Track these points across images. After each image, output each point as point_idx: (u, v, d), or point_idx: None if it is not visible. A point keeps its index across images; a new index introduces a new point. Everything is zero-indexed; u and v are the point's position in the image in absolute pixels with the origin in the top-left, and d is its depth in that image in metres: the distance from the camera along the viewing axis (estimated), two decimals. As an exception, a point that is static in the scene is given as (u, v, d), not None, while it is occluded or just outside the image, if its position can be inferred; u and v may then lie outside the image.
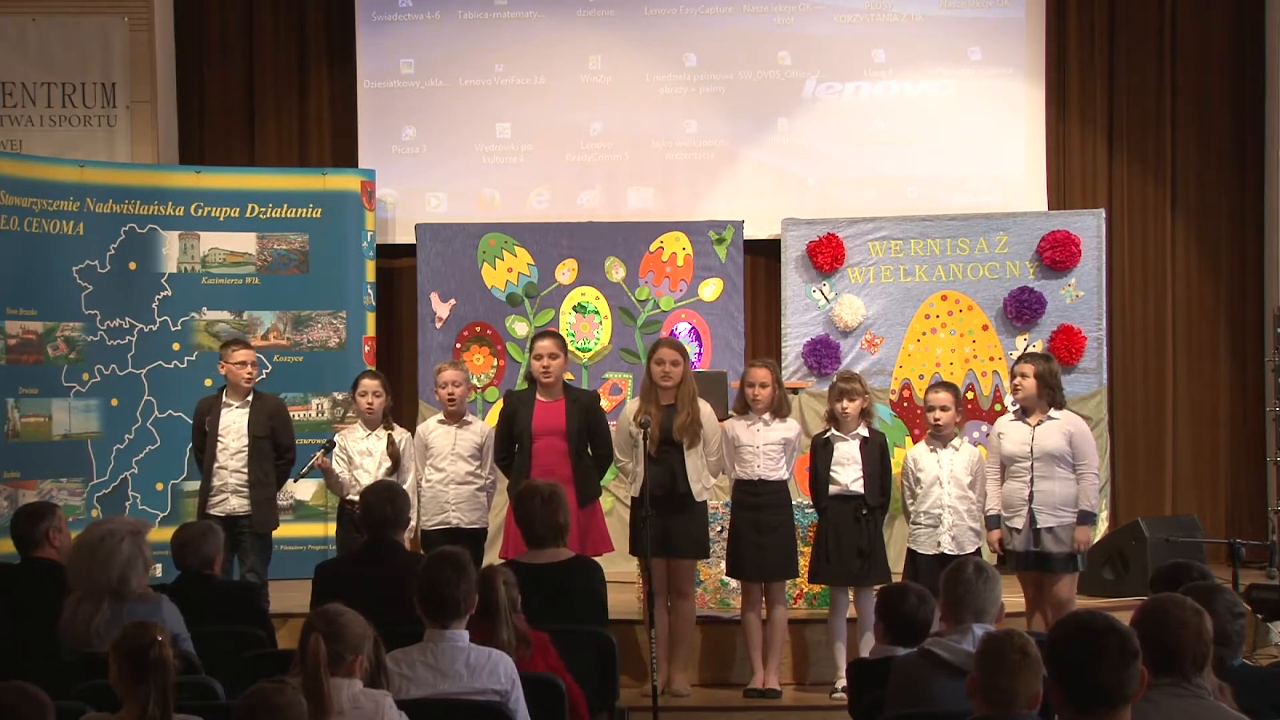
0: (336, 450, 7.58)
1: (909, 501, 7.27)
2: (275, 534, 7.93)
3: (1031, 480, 6.95)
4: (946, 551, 6.96)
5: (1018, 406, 7.17)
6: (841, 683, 7.06)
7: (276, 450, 7.77)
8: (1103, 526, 9.42)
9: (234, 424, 7.68)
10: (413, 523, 7.05)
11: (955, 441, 7.22)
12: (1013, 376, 7.18)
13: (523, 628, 4.71)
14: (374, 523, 5.56)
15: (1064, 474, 6.93)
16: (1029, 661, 3.39)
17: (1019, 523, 6.97)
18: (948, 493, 7.12)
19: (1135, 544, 8.46)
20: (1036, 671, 3.38)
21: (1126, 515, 9.70)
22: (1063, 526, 6.91)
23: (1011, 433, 7.09)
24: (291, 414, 8.89)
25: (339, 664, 3.72)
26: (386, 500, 5.60)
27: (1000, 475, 7.11)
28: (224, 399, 7.75)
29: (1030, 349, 9.45)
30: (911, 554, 7.20)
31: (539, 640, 4.76)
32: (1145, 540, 8.40)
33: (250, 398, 7.75)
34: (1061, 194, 10.31)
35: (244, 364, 7.69)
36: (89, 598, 4.73)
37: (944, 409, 7.16)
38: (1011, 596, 6.93)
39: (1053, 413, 7.01)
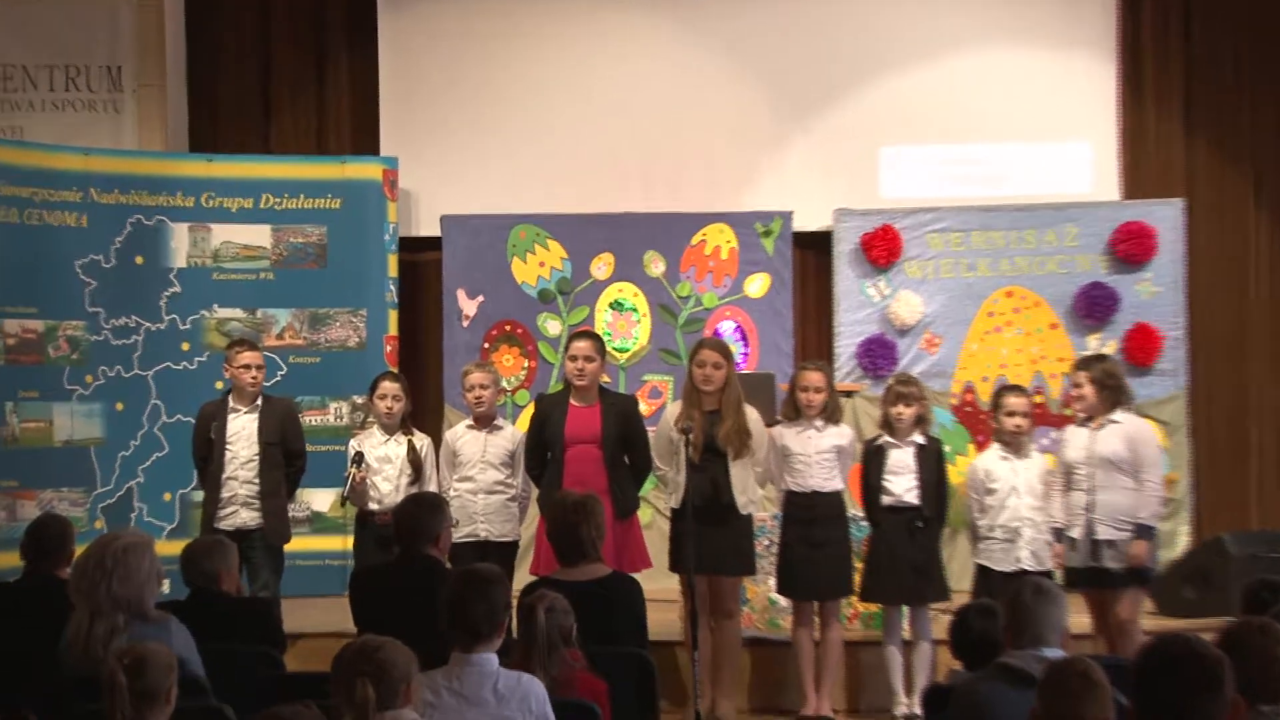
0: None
1: (977, 515, 7.07)
2: (289, 548, 7.80)
3: (1091, 489, 6.72)
4: (1027, 567, 6.74)
5: (1083, 416, 6.97)
6: (900, 709, 7.02)
7: (286, 457, 7.58)
8: (1183, 541, 9.34)
9: (243, 430, 7.48)
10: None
11: (1030, 449, 7.09)
12: (1070, 388, 7.04)
13: (568, 668, 4.49)
14: (405, 534, 5.45)
15: (1126, 483, 6.68)
16: (1091, 686, 3.31)
17: (1077, 533, 6.75)
18: (1024, 504, 6.93)
19: (1219, 560, 8.26)
20: (1102, 697, 3.31)
21: (1209, 529, 9.48)
22: (1124, 540, 6.66)
23: (1073, 439, 6.92)
24: (308, 419, 9.16)
25: (393, 699, 3.59)
26: (425, 510, 5.52)
27: (1066, 485, 6.89)
28: (231, 404, 7.56)
29: (1102, 349, 9.29)
30: (984, 571, 7.01)
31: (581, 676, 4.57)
32: (1229, 557, 8.19)
33: (259, 402, 7.57)
34: (1136, 182, 10.09)
35: (249, 367, 7.52)
36: (100, 615, 4.55)
37: (1025, 415, 7.02)
38: (1078, 616, 6.73)
39: (1116, 415, 6.76)
